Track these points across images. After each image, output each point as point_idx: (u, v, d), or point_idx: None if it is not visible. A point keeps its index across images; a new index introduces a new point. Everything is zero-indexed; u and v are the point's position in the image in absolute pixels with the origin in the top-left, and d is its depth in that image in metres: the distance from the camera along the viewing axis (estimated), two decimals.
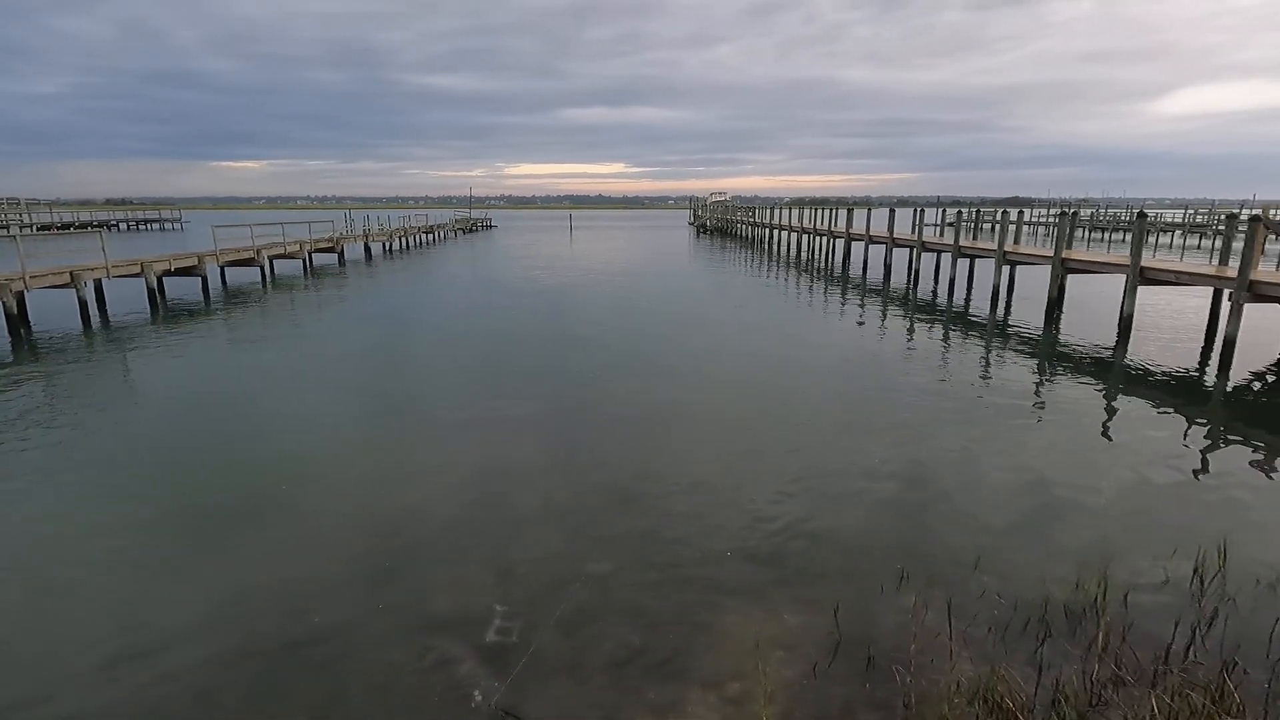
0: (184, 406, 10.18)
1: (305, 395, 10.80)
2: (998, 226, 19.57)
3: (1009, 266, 19.15)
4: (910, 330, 15.92)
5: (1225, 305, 12.78)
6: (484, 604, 5.10)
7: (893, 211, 27.64)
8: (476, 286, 25.21)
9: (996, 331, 15.69)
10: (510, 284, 25.49)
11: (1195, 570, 5.38)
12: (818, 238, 35.80)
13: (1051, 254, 16.76)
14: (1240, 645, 4.53)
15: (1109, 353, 13.28)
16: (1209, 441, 8.67)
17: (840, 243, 32.39)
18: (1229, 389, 10.93)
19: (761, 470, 7.57)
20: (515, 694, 4.18)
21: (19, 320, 15.54)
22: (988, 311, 18.18)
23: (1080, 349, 13.69)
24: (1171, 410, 9.73)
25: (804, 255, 36.27)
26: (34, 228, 52.95)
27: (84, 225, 57.64)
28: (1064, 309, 16.39)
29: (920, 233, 24.47)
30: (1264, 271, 12.22)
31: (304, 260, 28.85)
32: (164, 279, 20.56)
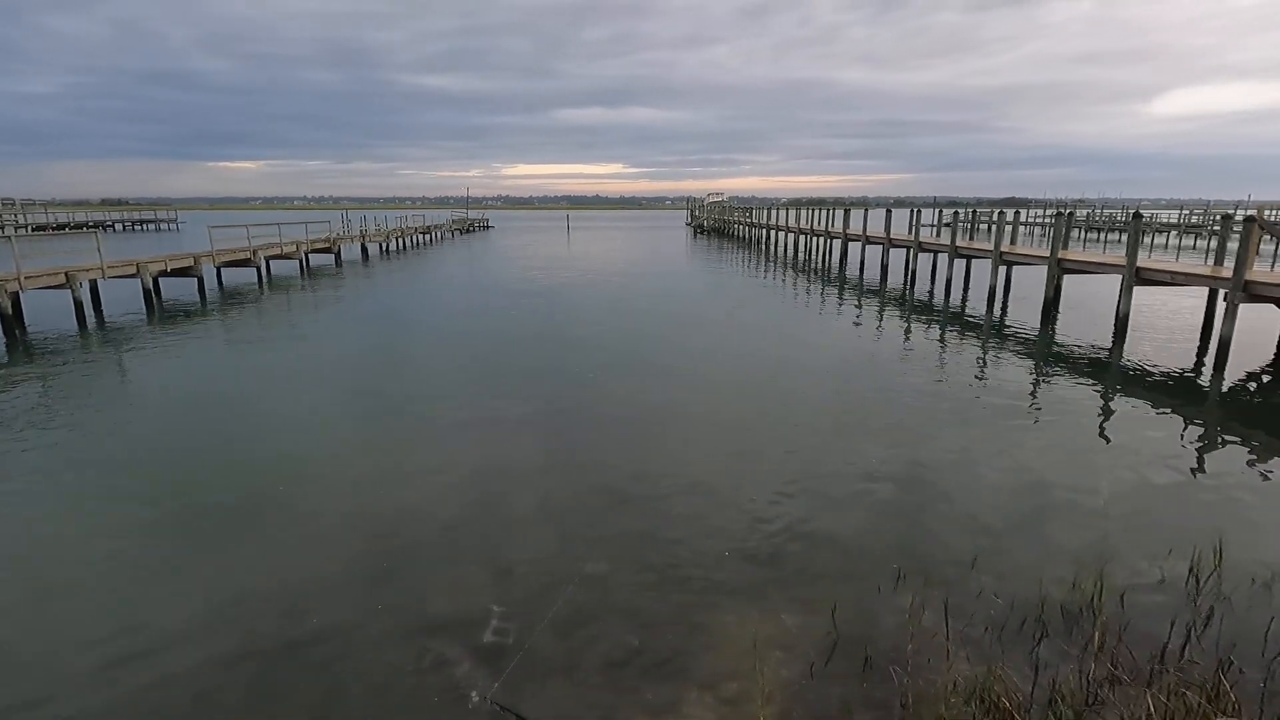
0: (181, 407, 10.16)
1: (302, 396, 10.78)
2: (994, 227, 19.61)
3: (1005, 267, 19.20)
4: (907, 331, 15.95)
5: (1220, 305, 12.83)
6: (481, 605, 5.09)
7: (889, 212, 27.69)
8: (474, 287, 25.19)
9: (993, 332, 15.73)
10: (508, 284, 25.48)
11: (1191, 570, 5.40)
12: (815, 238, 35.85)
13: (1047, 254, 16.81)
14: (1236, 644, 4.54)
15: (1105, 353, 13.32)
16: (1205, 441, 8.70)
17: (837, 243, 32.44)
18: (1224, 389, 10.97)
19: (759, 470, 7.57)
20: (512, 693, 4.18)
21: (14, 321, 15.48)
22: (984, 312, 18.22)
23: (1076, 349, 13.73)
24: (1167, 410, 9.76)
25: (801, 256, 36.31)
26: (29, 228, 52.77)
27: (79, 226, 57.46)
28: (1060, 309, 16.44)
29: (917, 233, 24.52)
30: (1259, 272, 12.27)
31: (300, 261, 28.80)
32: (160, 279, 20.52)
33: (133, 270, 19.06)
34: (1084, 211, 61.10)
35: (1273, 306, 12.35)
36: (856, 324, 16.94)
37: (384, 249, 41.70)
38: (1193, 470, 7.66)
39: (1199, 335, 14.31)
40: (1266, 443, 8.49)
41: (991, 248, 19.25)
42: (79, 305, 16.59)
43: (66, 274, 16.54)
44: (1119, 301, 14.13)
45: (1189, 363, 12.60)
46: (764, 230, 47.27)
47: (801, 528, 6.27)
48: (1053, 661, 4.42)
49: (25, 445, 8.42)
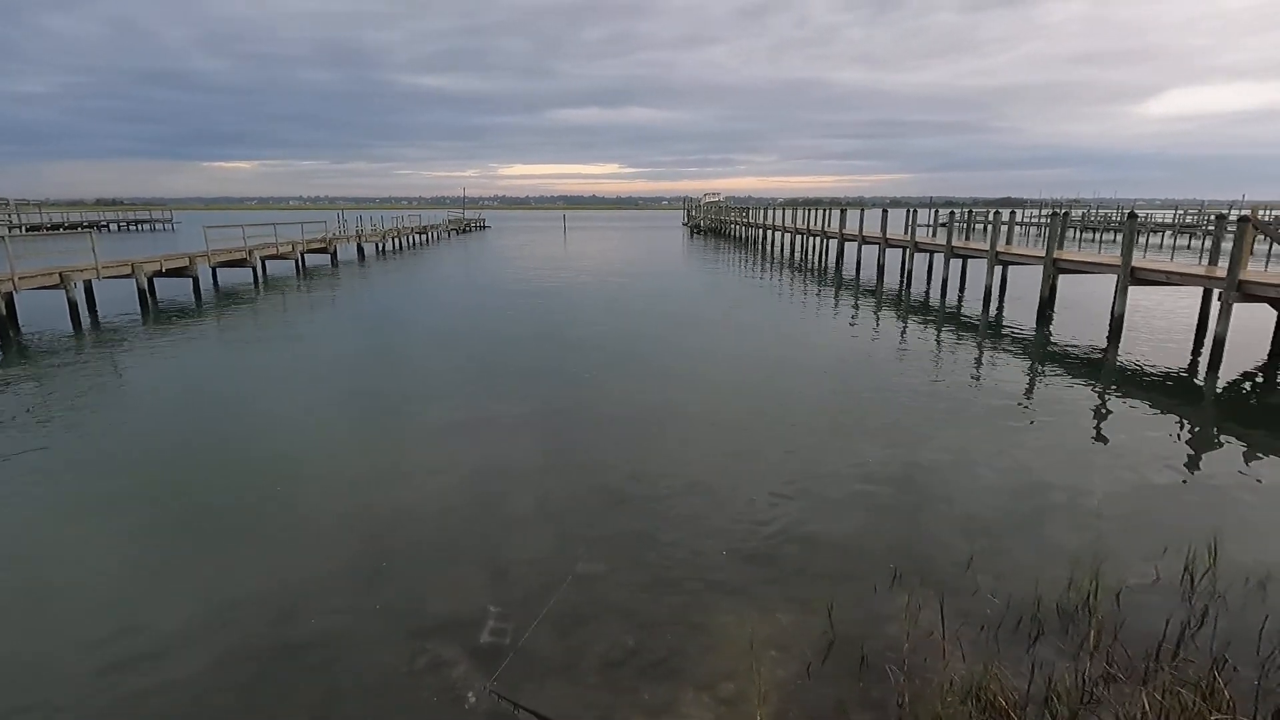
0: (176, 408, 10.12)
1: (298, 396, 10.75)
2: (990, 227, 19.66)
3: (1001, 267, 19.25)
4: (903, 331, 15.97)
5: (1215, 305, 12.89)
6: (479, 605, 5.08)
7: (885, 212, 27.76)
8: (470, 287, 25.15)
9: (989, 332, 15.77)
10: (504, 284, 25.45)
11: (1186, 568, 5.42)
12: (811, 238, 35.89)
13: (1043, 254, 16.85)
14: (1230, 643, 4.56)
15: (1100, 352, 13.36)
16: (1199, 441, 8.73)
17: (834, 243, 32.48)
18: (1219, 388, 11.01)
19: (756, 470, 7.58)
20: (509, 692, 4.17)
21: (8, 321, 15.41)
22: (980, 312, 18.26)
23: (1072, 349, 13.77)
24: (1162, 410, 9.80)
25: (798, 256, 36.36)
26: (23, 228, 52.53)
27: (74, 226, 57.23)
28: (1056, 309, 16.48)
29: (913, 233, 24.56)
30: (1253, 271, 12.32)
31: (297, 261, 28.73)
32: (155, 280, 20.44)
33: (127, 270, 18.99)
34: (1079, 211, 61.29)
35: (1266, 306, 12.40)
36: (853, 324, 16.97)
37: (380, 249, 41.62)
38: (1187, 469, 7.69)
39: (1193, 335, 14.37)
40: (1261, 442, 8.53)
41: (987, 248, 19.30)
42: (73, 306, 16.52)
43: (61, 274, 16.46)
44: (1114, 301, 14.17)
45: (1184, 362, 12.65)
46: (760, 230, 47.32)
47: (798, 528, 6.27)
48: (1049, 660, 4.43)
49: (20, 446, 8.38)
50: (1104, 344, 13.91)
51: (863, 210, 30.87)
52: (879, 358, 13.16)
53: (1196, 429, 9.14)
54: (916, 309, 19.17)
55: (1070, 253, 19.18)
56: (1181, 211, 52.94)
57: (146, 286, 19.34)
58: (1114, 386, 11.06)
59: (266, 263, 27.18)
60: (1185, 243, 42.28)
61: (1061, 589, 5.18)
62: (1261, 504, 6.79)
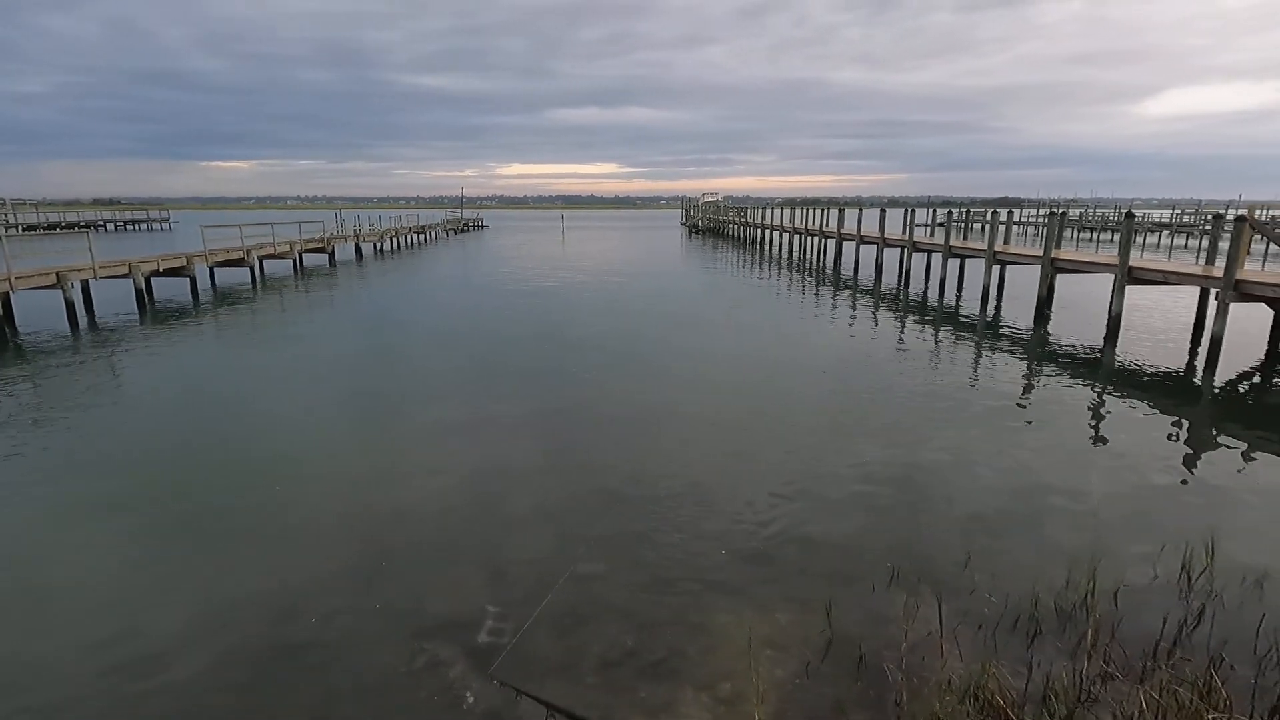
0: (174, 408, 10.10)
1: (297, 396, 10.74)
2: (987, 226, 19.69)
3: (999, 266, 19.27)
4: (901, 330, 15.99)
5: (1212, 304, 12.93)
6: (478, 605, 5.08)
7: (884, 212, 27.77)
8: (469, 287, 25.13)
9: (987, 331, 15.79)
10: (503, 284, 25.44)
11: (1183, 567, 5.43)
12: (809, 238, 35.92)
13: (1041, 254, 16.88)
14: (1227, 641, 4.58)
15: (1098, 352, 13.38)
16: (1196, 440, 8.76)
17: (832, 243, 32.51)
18: (1216, 387, 11.04)
19: (755, 470, 7.58)
20: (508, 693, 4.17)
21: (4, 322, 15.39)
22: (978, 311, 18.29)
23: (1069, 348, 13.79)
24: (1159, 409, 9.82)
25: (796, 255, 36.38)
26: (20, 228, 52.40)
27: (70, 225, 57.10)
28: (1053, 308, 16.51)
29: (911, 233, 24.59)
30: (1250, 271, 12.35)
31: (294, 261, 28.69)
32: (152, 280, 20.42)
33: (125, 270, 18.96)
34: (1077, 211, 61.38)
35: (1263, 305, 12.44)
36: (852, 324, 16.98)
37: (378, 249, 41.58)
38: (1185, 469, 7.71)
39: (1190, 334, 14.41)
40: (1258, 441, 8.55)
41: (985, 247, 19.32)
42: (70, 306, 16.48)
43: (58, 274, 16.43)
44: (1111, 301, 14.20)
45: (1181, 362, 12.67)
46: (759, 230, 47.34)
47: (797, 527, 6.28)
48: (1046, 659, 4.44)
49: (18, 447, 8.36)
50: (1101, 343, 13.93)
51: (861, 210, 30.90)
52: (877, 357, 13.18)
53: (1193, 428, 9.16)
54: (915, 308, 19.20)
55: (1068, 252, 19.21)
56: (1179, 211, 53.03)
57: (144, 286, 19.31)
58: (1111, 386, 11.08)
59: (264, 262, 27.12)
60: (1182, 242, 42.38)
61: (1059, 588, 5.19)
62: (1258, 503, 6.81)
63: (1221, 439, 8.77)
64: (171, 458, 8.12)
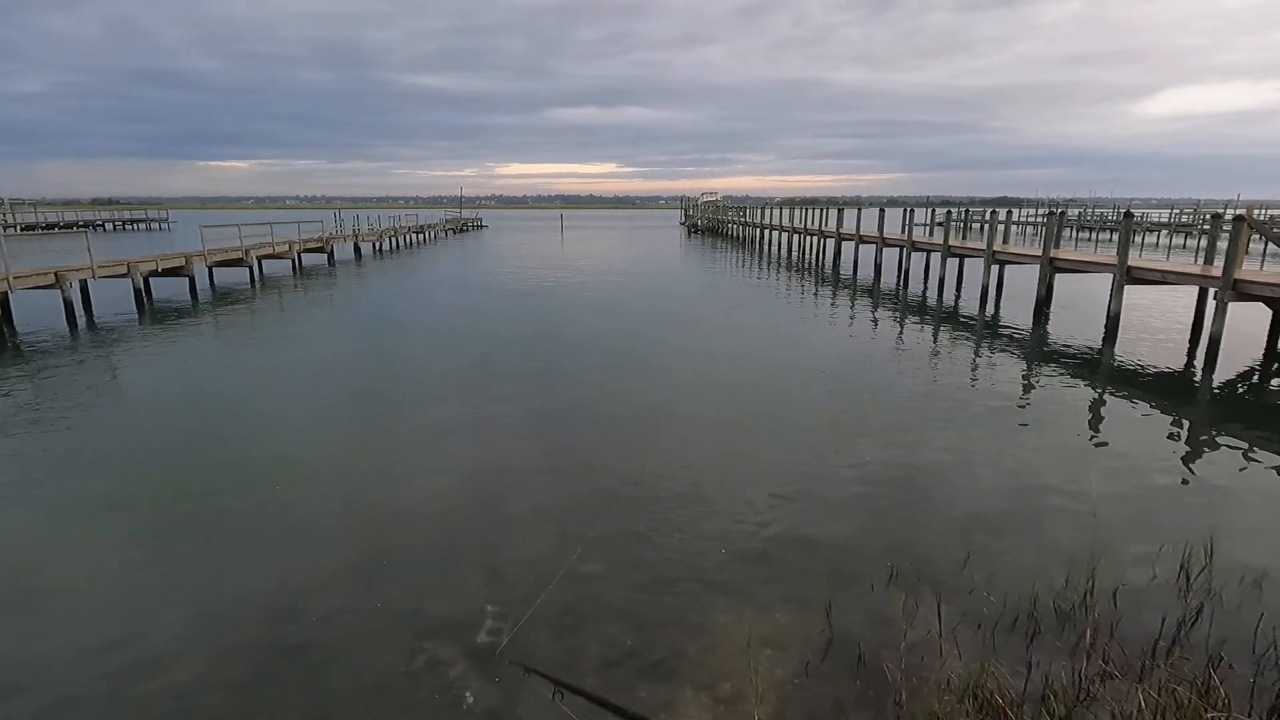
0: (173, 408, 10.09)
1: (296, 396, 10.73)
2: (986, 226, 19.70)
3: (998, 266, 19.28)
4: (900, 330, 16.00)
5: (1210, 304, 12.94)
6: (476, 605, 5.08)
7: (883, 211, 27.78)
8: (468, 287, 25.12)
9: (986, 331, 15.80)
10: (502, 284, 25.43)
11: (1182, 567, 5.44)
12: (809, 238, 35.93)
13: (1040, 253, 16.89)
14: (1226, 640, 4.58)
15: (1096, 352, 13.40)
16: (1195, 439, 8.76)
17: (831, 243, 32.51)
18: (1214, 387, 11.05)
19: (754, 470, 7.59)
20: (508, 692, 4.17)
21: (2, 322, 15.37)
22: (977, 311, 18.30)
23: (1068, 348, 13.80)
24: (1158, 408, 9.83)
25: (795, 255, 36.39)
26: (18, 228, 52.34)
27: (69, 225, 57.04)
28: (1052, 308, 16.52)
29: (910, 232, 24.60)
30: (1248, 271, 12.37)
31: (293, 260, 28.68)
32: (151, 279, 20.39)
33: (123, 270, 18.93)
34: (1075, 211, 61.44)
35: (1261, 305, 12.45)
36: (851, 324, 16.99)
37: (377, 248, 41.56)
38: (1183, 468, 7.72)
39: (1189, 334, 14.42)
40: (1256, 440, 8.56)
41: (984, 247, 19.33)
42: (69, 305, 16.46)
43: (56, 274, 16.41)
44: (1110, 300, 14.21)
45: (1179, 361, 12.69)
46: (758, 230, 47.34)
47: (797, 527, 6.28)
48: (1045, 658, 4.44)
49: (15, 447, 8.35)
50: (1100, 343, 13.95)
51: (860, 210, 30.91)
52: (877, 357, 13.18)
53: (1192, 428, 9.17)
54: (914, 308, 19.21)
55: (1067, 252, 19.22)
56: (1177, 211, 53.10)
57: (142, 286, 19.29)
58: (1110, 386, 11.10)
59: (263, 262, 27.09)
60: (1181, 242, 42.42)
61: (1058, 588, 5.20)
62: (1257, 502, 6.82)
63: (1220, 438, 8.78)
64: (171, 458, 8.11)
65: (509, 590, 5.28)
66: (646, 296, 22.00)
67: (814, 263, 32.29)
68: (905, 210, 26.31)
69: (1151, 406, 9.91)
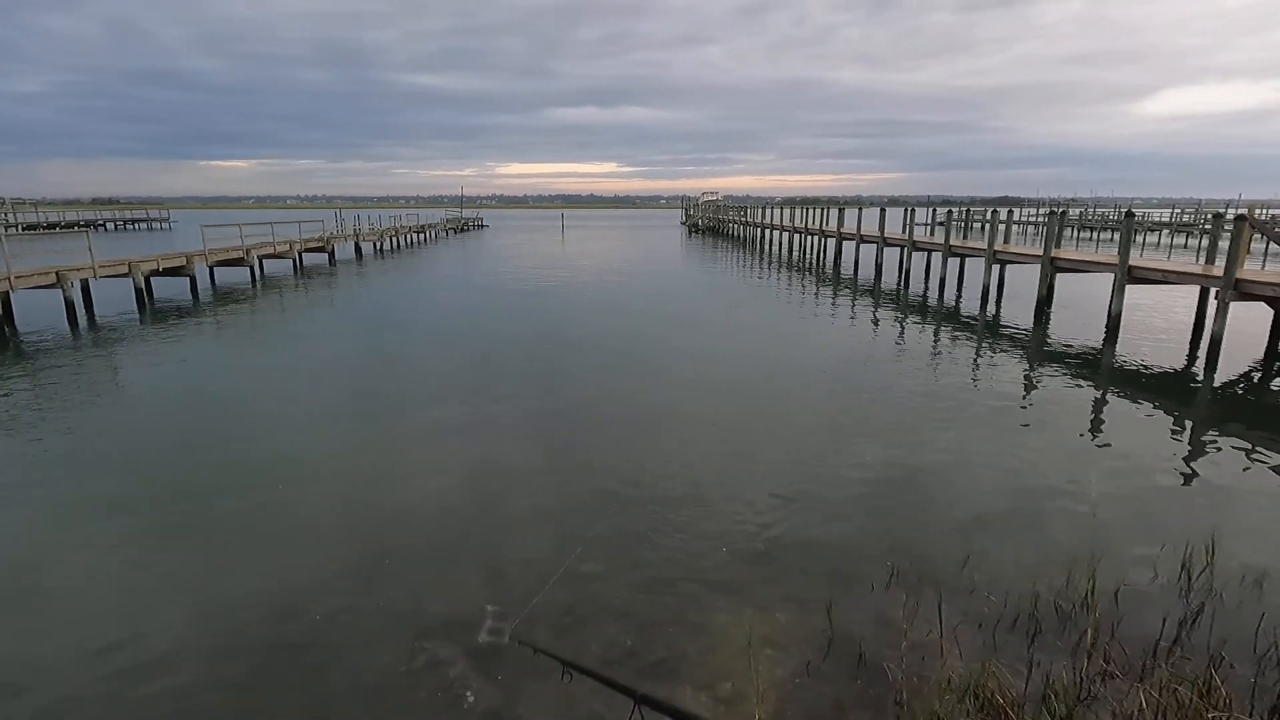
0: (175, 407, 10.10)
1: (297, 396, 10.74)
2: (987, 226, 19.68)
3: (999, 266, 19.27)
4: (901, 330, 15.99)
5: (1212, 303, 12.92)
6: (476, 604, 5.08)
7: (883, 211, 27.76)
8: (468, 286, 25.13)
9: (987, 331, 15.79)
10: (502, 284, 25.43)
11: (1183, 566, 5.43)
12: (809, 237, 35.91)
13: (1041, 253, 16.88)
14: (1227, 640, 4.58)
15: (1097, 351, 13.39)
16: (1196, 439, 8.75)
17: (832, 242, 32.50)
18: (1216, 386, 11.04)
19: (753, 470, 7.58)
20: (508, 691, 4.17)
21: (3, 321, 15.38)
22: (978, 310, 18.29)
23: (1069, 348, 13.79)
24: (1159, 408, 9.82)
25: (796, 255, 36.38)
26: (19, 227, 52.39)
27: (70, 225, 57.07)
28: (1053, 308, 16.51)
29: (911, 232, 24.59)
30: (1250, 270, 12.36)
31: (294, 260, 28.68)
32: (152, 279, 20.41)
33: (124, 270, 18.95)
34: (1077, 210, 61.38)
35: (1263, 305, 12.44)
36: (852, 323, 16.98)
37: (378, 248, 41.57)
38: (1185, 468, 7.71)
39: (1190, 333, 14.40)
40: (1257, 439, 8.54)
41: (985, 246, 19.32)
42: (70, 305, 16.48)
43: (57, 273, 16.43)
44: (1111, 300, 14.20)
45: (1180, 361, 12.68)
46: (759, 230, 47.34)
47: (797, 527, 6.28)
48: (1046, 658, 4.44)
49: (16, 447, 8.36)
50: (1101, 343, 13.94)
51: (860, 209, 30.90)
52: (878, 357, 13.18)
53: (1193, 428, 9.16)
54: (915, 308, 19.20)
55: (1068, 251, 19.21)
56: (1178, 210, 53.03)
57: (143, 286, 19.30)
58: (1111, 385, 11.09)
59: (264, 262, 27.11)
60: (1182, 242, 42.37)
61: (1059, 587, 5.19)
62: (1259, 502, 6.81)
63: (1221, 438, 8.76)
64: (171, 457, 8.12)
65: (509, 590, 5.28)
66: (647, 296, 22.00)
67: (815, 262, 32.27)
68: (906, 210, 26.31)
69: (1152, 406, 9.90)
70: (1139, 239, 42.67)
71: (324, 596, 5.20)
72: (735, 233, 55.05)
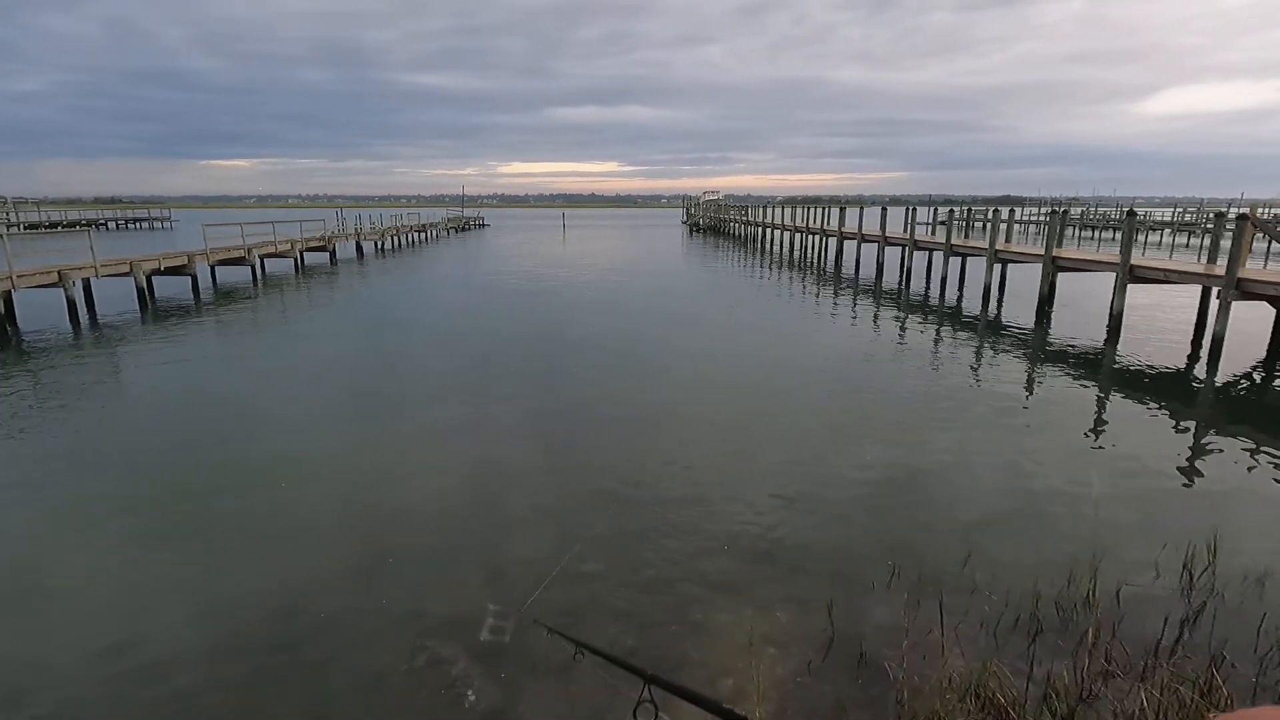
0: (176, 407, 10.11)
1: (298, 395, 10.75)
2: (989, 225, 19.67)
3: (1000, 265, 19.26)
4: (902, 329, 15.98)
5: (1214, 303, 12.90)
6: (477, 604, 5.09)
7: (885, 210, 27.75)
8: (469, 286, 25.14)
9: (988, 330, 15.78)
10: (503, 283, 25.43)
11: (1185, 566, 5.42)
12: (811, 236, 35.89)
13: (1042, 252, 16.86)
14: (1228, 640, 4.57)
15: (1099, 351, 13.37)
16: (1198, 438, 8.74)
17: (833, 241, 32.48)
18: (1217, 386, 11.02)
19: (754, 469, 7.58)
20: (509, 692, 4.18)
21: (6, 320, 15.40)
22: (979, 310, 18.27)
23: (1071, 347, 13.78)
24: (1161, 408, 9.81)
25: (797, 254, 36.35)
26: (21, 226, 52.44)
27: (72, 224, 57.11)
28: (1054, 307, 16.49)
29: (912, 231, 24.57)
30: (1252, 269, 12.34)
31: (295, 259, 28.69)
32: (153, 278, 20.42)
33: (126, 269, 18.96)
34: (1078, 210, 61.28)
35: (1265, 304, 12.42)
36: (853, 323, 16.97)
37: (379, 247, 41.58)
38: (1187, 467, 7.70)
39: (1192, 333, 14.39)
40: (1259, 439, 8.53)
41: (986, 246, 19.30)
42: (72, 304, 16.50)
43: (59, 272, 16.44)
44: (1113, 299, 14.18)
45: (1182, 360, 12.66)
46: (760, 229, 47.32)
47: (798, 527, 6.28)
48: (1047, 657, 4.44)
49: (16, 446, 8.37)
50: (1103, 342, 13.92)
51: (862, 208, 30.88)
52: (879, 357, 13.17)
53: (1195, 427, 9.15)
54: (916, 307, 19.18)
55: (1069, 251, 19.19)
56: (1180, 210, 52.94)
57: (145, 285, 19.32)
58: (1113, 385, 11.08)
59: (265, 261, 27.14)
60: (1184, 241, 42.30)
61: (1060, 587, 5.18)
62: (1261, 501, 6.80)
63: (1223, 438, 8.75)
64: (172, 457, 8.12)
65: (509, 589, 5.29)
66: (648, 295, 21.99)
67: (816, 262, 32.25)
68: (907, 209, 26.29)
69: (1154, 406, 9.89)
70: (1140, 238, 42.60)
71: (324, 596, 5.21)
72: (736, 232, 55.02)
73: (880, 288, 23.09)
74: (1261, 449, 8.21)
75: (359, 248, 37.97)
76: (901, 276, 23.86)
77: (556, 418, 9.42)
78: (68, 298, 16.44)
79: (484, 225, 77.46)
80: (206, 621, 4.91)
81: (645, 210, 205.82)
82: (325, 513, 6.65)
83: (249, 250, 24.74)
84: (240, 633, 4.78)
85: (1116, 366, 12.24)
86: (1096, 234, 49.35)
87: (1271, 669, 4.30)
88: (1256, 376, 11.65)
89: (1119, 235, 34.28)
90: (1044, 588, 5.14)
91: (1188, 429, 9.04)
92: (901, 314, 18.00)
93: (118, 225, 70.43)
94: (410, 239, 49.42)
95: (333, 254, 32.63)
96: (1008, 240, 20.94)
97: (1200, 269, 13.74)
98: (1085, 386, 10.93)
